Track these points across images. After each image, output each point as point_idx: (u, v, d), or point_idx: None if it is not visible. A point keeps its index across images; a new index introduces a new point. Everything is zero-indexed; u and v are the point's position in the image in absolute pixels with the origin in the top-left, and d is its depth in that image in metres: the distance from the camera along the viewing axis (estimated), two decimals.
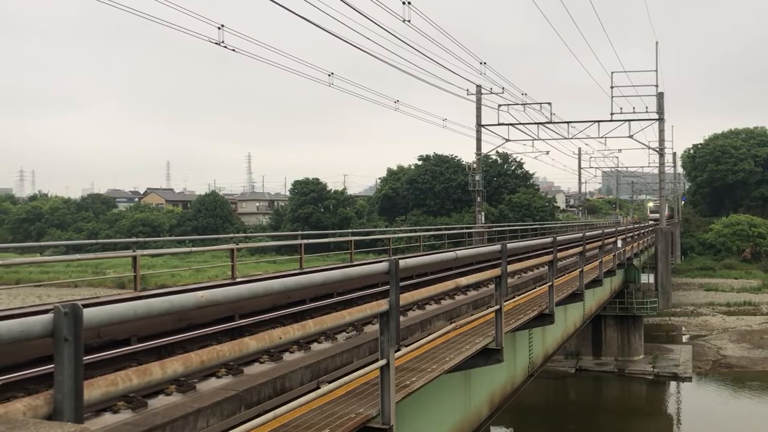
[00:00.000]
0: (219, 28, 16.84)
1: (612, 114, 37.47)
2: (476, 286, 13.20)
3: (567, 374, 31.65)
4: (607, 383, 31.46)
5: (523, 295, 12.12)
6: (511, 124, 38.22)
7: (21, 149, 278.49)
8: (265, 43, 17.63)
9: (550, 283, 11.21)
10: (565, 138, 39.63)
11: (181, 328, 9.02)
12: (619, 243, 24.32)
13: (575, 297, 14.45)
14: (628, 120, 37.53)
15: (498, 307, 7.90)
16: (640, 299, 32.84)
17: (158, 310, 3.20)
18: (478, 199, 39.23)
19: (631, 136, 37.88)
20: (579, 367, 32.37)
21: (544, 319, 11.18)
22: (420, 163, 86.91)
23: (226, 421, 5.36)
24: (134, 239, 20.56)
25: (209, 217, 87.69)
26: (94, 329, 3.94)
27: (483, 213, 40.26)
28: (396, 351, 5.17)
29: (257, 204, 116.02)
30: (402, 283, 5.30)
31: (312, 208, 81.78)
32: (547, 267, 11.70)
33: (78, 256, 14.68)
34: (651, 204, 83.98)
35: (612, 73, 38.40)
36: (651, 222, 62.13)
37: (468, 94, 35.97)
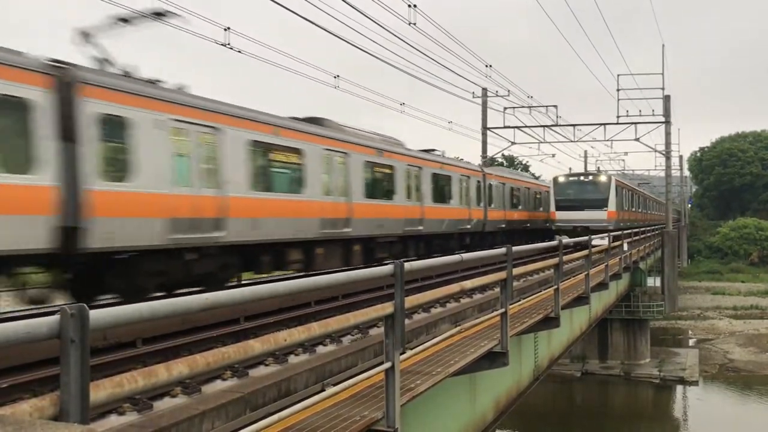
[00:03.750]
0: (225, 30, 16.92)
1: (618, 117, 37.36)
2: (481, 289, 13.18)
3: (573, 378, 31.55)
4: (614, 387, 31.35)
5: (528, 299, 12.11)
6: (517, 127, 38.14)
7: None
8: (270, 45, 17.69)
9: (556, 287, 11.20)
10: (572, 141, 39.51)
11: (186, 330, 9.05)
12: (626, 246, 24.26)
13: (581, 300, 14.41)
14: (635, 123, 37.41)
15: (503, 310, 7.89)
16: (647, 303, 32.71)
17: (163, 312, 3.21)
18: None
19: (637, 139, 37.76)
20: (585, 370, 32.26)
21: (549, 322, 11.15)
22: None
23: (231, 423, 5.37)
24: None
25: None
26: (100, 331, 3.95)
27: None
28: (401, 354, 5.17)
29: None
30: (407, 286, 5.30)
31: None
32: (553, 270, 11.68)
33: None
34: (561, 178, 32.97)
35: (618, 75, 38.36)
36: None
37: (474, 97, 35.94)
